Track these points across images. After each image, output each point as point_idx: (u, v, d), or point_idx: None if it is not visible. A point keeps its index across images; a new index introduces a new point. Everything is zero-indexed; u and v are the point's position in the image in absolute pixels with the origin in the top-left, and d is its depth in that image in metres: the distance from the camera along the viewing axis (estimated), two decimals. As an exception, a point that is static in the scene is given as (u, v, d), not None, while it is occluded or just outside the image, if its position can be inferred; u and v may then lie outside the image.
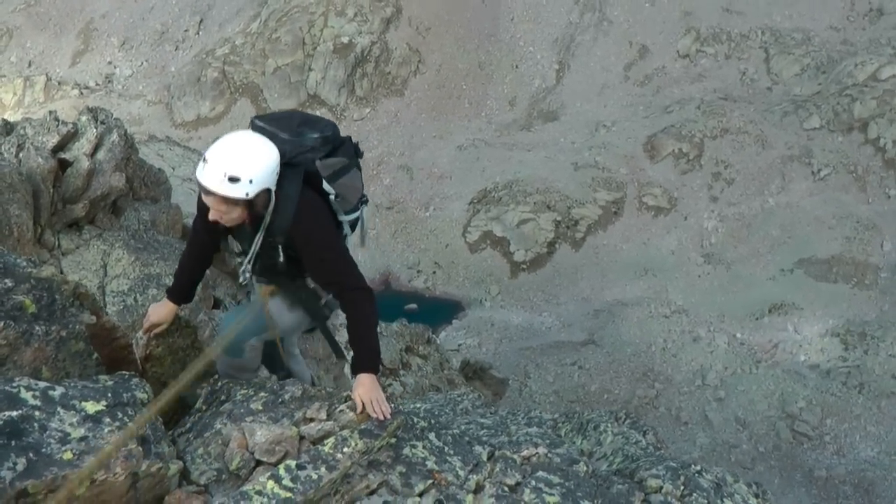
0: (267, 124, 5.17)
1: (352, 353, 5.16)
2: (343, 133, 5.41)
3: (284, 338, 6.00)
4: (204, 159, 4.72)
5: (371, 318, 5.14)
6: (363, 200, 5.73)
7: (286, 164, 4.98)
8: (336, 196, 5.31)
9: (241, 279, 5.64)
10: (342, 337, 5.58)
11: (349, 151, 5.46)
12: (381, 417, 4.83)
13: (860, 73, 45.65)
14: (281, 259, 5.24)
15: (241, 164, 4.64)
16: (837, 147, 44.21)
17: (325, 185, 5.21)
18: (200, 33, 54.78)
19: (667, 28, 52.91)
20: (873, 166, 43.02)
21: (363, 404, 4.86)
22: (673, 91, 50.24)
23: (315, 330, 6.04)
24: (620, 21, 53.85)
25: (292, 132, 5.14)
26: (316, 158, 5.16)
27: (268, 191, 4.81)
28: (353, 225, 5.70)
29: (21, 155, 10.82)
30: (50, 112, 12.22)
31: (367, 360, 5.07)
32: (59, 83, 52.75)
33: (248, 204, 4.78)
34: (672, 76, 51.26)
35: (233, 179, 4.62)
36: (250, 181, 4.65)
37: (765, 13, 52.15)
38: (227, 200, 4.75)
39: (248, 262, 5.34)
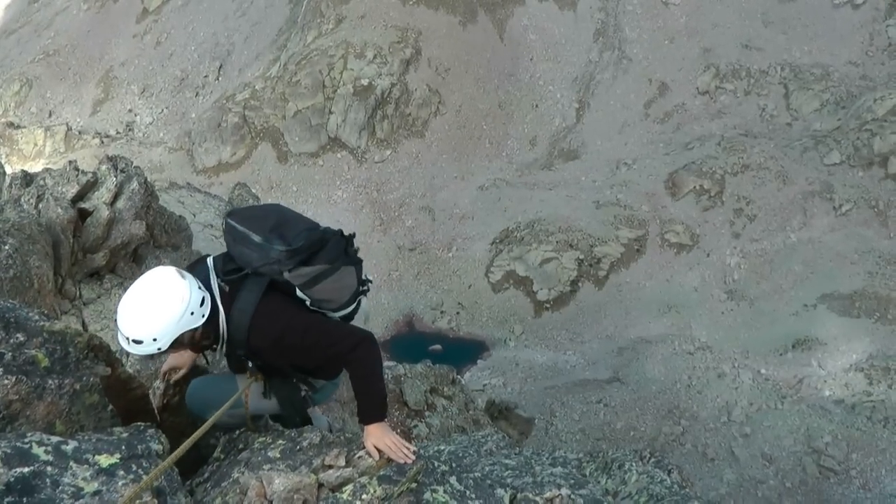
0: (239, 223, 5.00)
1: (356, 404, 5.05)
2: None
3: None
4: (115, 319, 4.60)
5: (374, 370, 5.00)
6: (362, 291, 5.52)
7: (253, 272, 4.92)
8: (312, 302, 5.14)
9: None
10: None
11: (331, 254, 5.14)
12: (406, 460, 4.76)
13: (879, 107, 45.52)
14: (250, 366, 5.20)
15: (139, 327, 4.49)
16: (858, 182, 44.08)
17: (299, 293, 5.06)
18: (220, 79, 55.04)
19: (686, 65, 52.99)
20: (894, 201, 42.76)
21: (381, 452, 4.79)
22: (693, 128, 50.23)
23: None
24: (640, 59, 53.95)
25: (264, 236, 4.91)
26: (283, 271, 4.96)
27: (194, 329, 4.70)
28: (346, 318, 5.49)
29: (41, 206, 10.84)
30: (70, 162, 12.26)
31: (372, 409, 4.96)
32: (80, 132, 52.95)
33: (177, 343, 4.69)
34: (692, 113, 51.27)
35: (136, 342, 4.49)
36: (154, 339, 4.51)
37: (784, 49, 52.19)
38: (147, 357, 4.71)
39: (221, 358, 5.27)
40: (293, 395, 5.53)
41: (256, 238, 4.91)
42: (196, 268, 5.06)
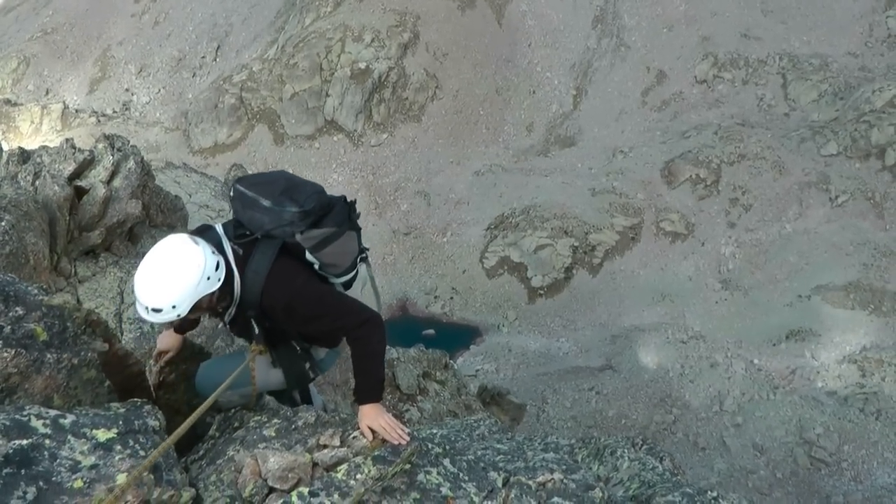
0: (248, 189, 5.07)
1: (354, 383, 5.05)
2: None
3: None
4: (132, 290, 4.66)
5: (375, 350, 5.00)
6: (361, 258, 5.61)
7: (265, 236, 4.97)
8: (320, 265, 5.21)
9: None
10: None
11: (338, 218, 5.23)
12: (401, 441, 4.76)
13: (878, 99, 45.50)
14: (256, 332, 5.18)
15: (158, 295, 4.55)
16: (855, 173, 44.09)
17: (308, 256, 5.11)
18: (217, 60, 55.04)
19: (684, 53, 52.94)
20: (891, 193, 42.85)
21: (374, 433, 4.79)
22: (690, 116, 50.22)
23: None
24: (638, 46, 53.91)
25: (274, 200, 5.00)
26: (295, 232, 4.99)
27: (211, 293, 4.75)
28: (347, 284, 5.56)
29: (37, 183, 10.82)
30: (66, 140, 12.24)
31: (368, 390, 4.96)
32: (77, 111, 52.95)
33: (196, 308, 4.73)
34: (689, 102, 51.26)
35: (156, 310, 4.54)
36: (173, 306, 4.56)
37: (783, 39, 52.16)
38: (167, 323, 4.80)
39: (226, 325, 5.32)
40: (298, 365, 5.58)
41: (266, 202, 4.97)
42: (205, 234, 5.09)
